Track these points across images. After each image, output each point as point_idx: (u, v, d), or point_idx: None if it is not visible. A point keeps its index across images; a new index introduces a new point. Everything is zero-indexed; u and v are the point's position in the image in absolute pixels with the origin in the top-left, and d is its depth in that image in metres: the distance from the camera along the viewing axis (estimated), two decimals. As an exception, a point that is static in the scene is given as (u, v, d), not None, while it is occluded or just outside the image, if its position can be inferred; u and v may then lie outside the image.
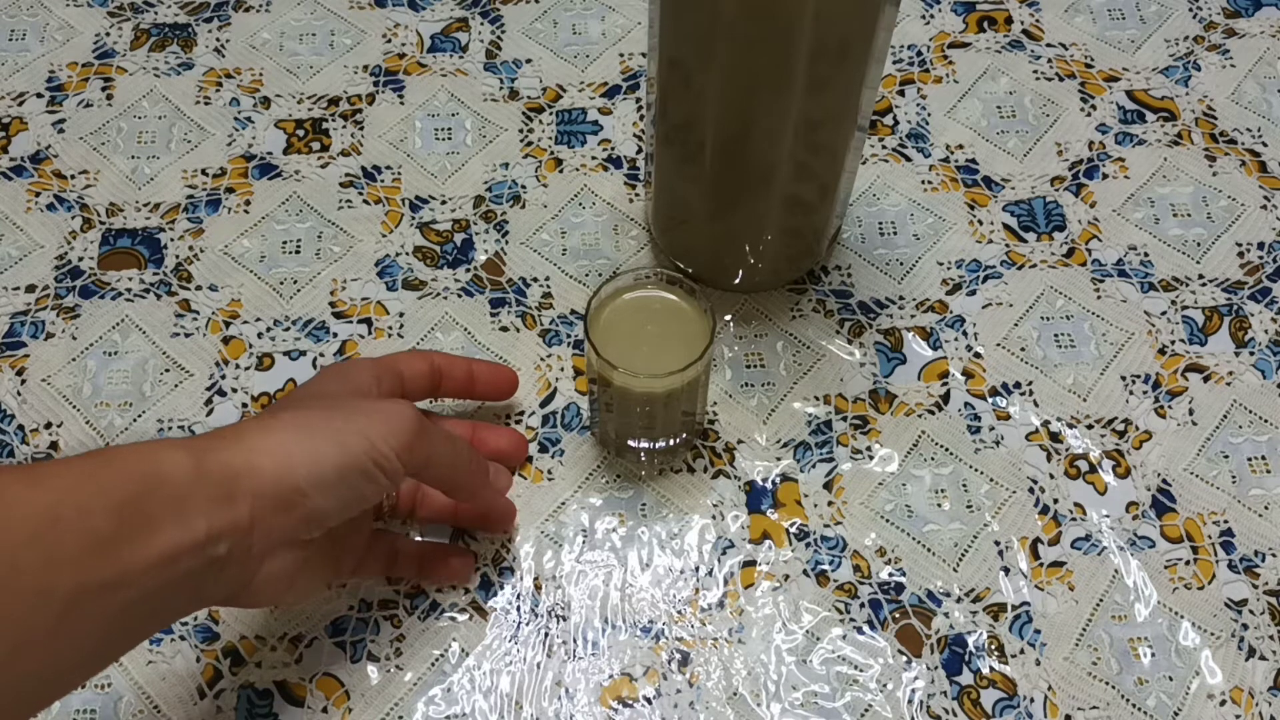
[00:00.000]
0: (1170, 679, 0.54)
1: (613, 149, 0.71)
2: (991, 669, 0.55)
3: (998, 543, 0.58)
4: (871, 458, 0.60)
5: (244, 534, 0.40)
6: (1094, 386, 0.63)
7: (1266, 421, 0.62)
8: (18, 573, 0.35)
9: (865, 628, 0.55)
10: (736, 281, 0.64)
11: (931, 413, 0.62)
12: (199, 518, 0.39)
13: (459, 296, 0.65)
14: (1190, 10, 0.78)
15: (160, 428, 0.60)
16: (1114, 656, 0.55)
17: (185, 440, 0.41)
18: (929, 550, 0.57)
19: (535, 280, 0.66)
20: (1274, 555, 0.58)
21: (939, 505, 0.59)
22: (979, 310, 0.65)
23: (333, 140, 0.71)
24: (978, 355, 0.64)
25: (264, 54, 0.75)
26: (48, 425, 0.60)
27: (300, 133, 0.71)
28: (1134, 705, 0.54)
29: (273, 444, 0.42)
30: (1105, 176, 0.70)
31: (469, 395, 0.58)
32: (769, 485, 0.59)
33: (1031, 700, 0.54)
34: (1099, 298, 0.66)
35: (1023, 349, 0.64)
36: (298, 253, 0.67)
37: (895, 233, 0.68)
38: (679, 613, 0.56)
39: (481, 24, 0.77)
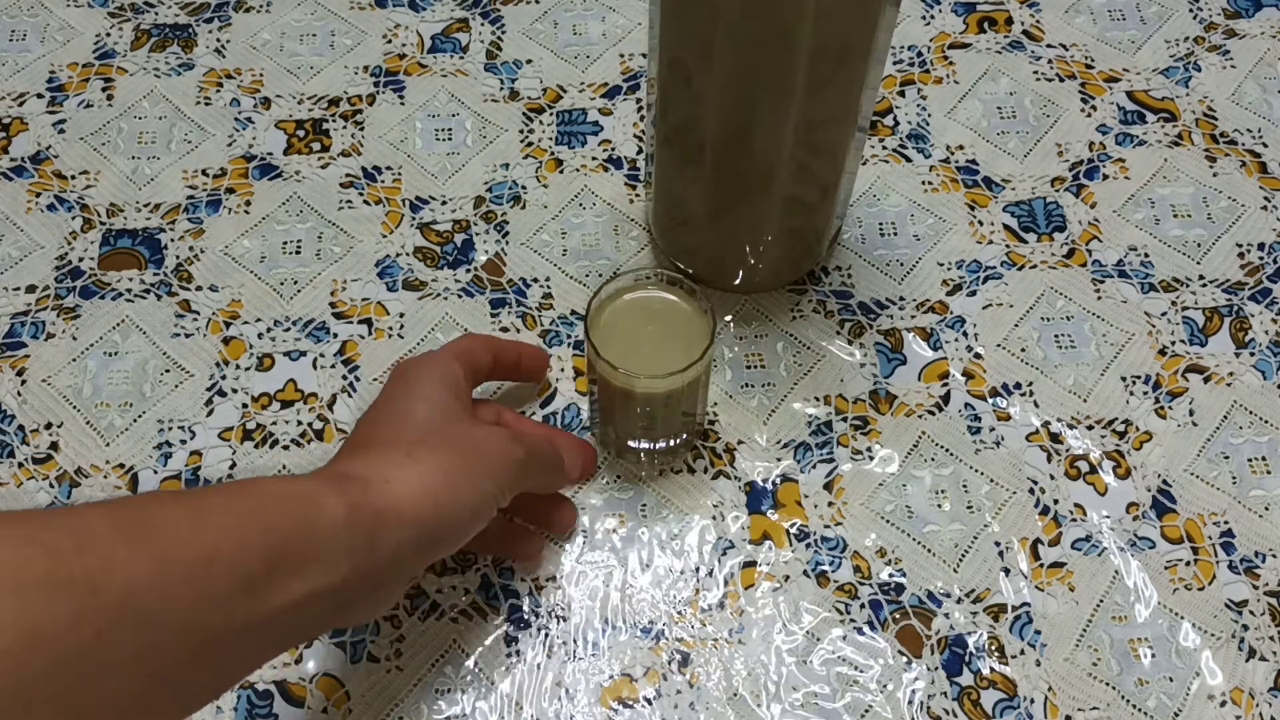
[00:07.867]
0: (1171, 680, 0.54)
1: (613, 149, 0.71)
2: (992, 670, 0.55)
3: (998, 543, 0.58)
4: (872, 458, 0.60)
5: (379, 577, 0.43)
6: (1094, 387, 0.63)
7: (1267, 422, 0.62)
8: (169, 607, 0.35)
9: (865, 628, 0.55)
10: (737, 282, 0.64)
11: (932, 413, 0.62)
12: (343, 565, 0.40)
13: (459, 297, 0.65)
14: (1190, 11, 0.78)
15: (160, 428, 0.60)
16: (1114, 657, 0.55)
17: (338, 477, 0.43)
18: (929, 551, 0.57)
19: (535, 281, 0.66)
20: (1274, 556, 0.58)
21: (939, 506, 0.59)
22: (979, 311, 0.65)
23: (333, 141, 0.71)
24: (978, 356, 0.64)
25: (264, 54, 0.75)
26: (48, 425, 0.60)
27: (300, 133, 0.71)
28: (1134, 706, 0.54)
29: (420, 493, 0.44)
30: (1105, 177, 0.70)
31: (514, 378, 0.60)
32: (769, 486, 0.59)
33: (1032, 701, 0.54)
34: (1099, 298, 0.66)
35: (1023, 350, 0.64)
36: (298, 253, 0.66)
37: (895, 233, 0.68)
38: (679, 613, 0.56)
39: (482, 24, 0.77)
